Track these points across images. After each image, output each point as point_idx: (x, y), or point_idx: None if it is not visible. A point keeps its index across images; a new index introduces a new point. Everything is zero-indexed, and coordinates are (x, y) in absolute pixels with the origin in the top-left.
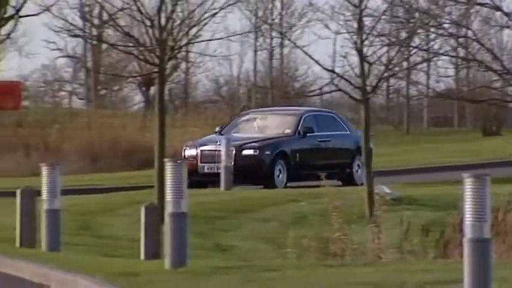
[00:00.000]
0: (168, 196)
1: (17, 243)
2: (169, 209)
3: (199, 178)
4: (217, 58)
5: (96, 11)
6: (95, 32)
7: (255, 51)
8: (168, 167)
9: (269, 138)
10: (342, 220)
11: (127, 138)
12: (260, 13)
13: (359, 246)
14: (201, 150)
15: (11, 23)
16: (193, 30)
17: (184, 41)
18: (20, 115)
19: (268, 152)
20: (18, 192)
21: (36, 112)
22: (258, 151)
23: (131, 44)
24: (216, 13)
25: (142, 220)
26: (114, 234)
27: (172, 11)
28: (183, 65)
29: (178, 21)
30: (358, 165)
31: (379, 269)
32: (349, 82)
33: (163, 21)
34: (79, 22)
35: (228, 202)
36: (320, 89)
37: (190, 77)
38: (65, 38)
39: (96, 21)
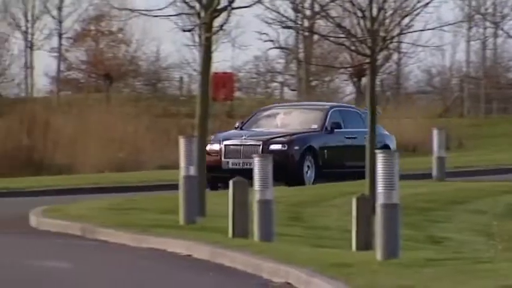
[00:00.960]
0: (380, 187)
1: (230, 234)
2: (380, 200)
3: (222, 174)
4: (429, 48)
5: (307, 2)
6: (306, 23)
7: (468, 41)
8: (380, 158)
9: (297, 133)
10: None
11: None
12: (473, 3)
13: None
14: (225, 145)
15: (223, 14)
16: (406, 21)
17: (396, 32)
18: (232, 106)
19: (297, 147)
20: (230, 183)
21: (248, 103)
22: (286, 146)
23: (343, 35)
24: (428, 3)
25: (353, 211)
26: (325, 225)
27: (384, 1)
28: (394, 56)
29: (390, 12)
30: None
31: None
32: None
33: (374, 11)
34: (291, 14)
35: (440, 193)
36: None
37: (402, 67)
38: (277, 29)
39: (307, 13)
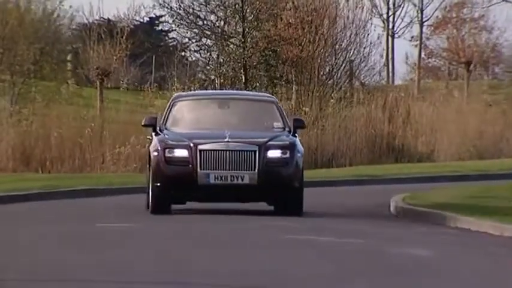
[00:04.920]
0: None
1: None
2: None
3: (199, 193)
4: None
5: None
6: None
7: None
8: None
9: (276, 136)
10: None
11: None
12: None
13: None
14: (201, 151)
15: None
16: None
17: None
18: None
19: (299, 155)
20: None
21: None
22: (288, 152)
23: None
24: None
25: None
26: None
27: None
28: None
29: None
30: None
31: None
32: None
33: None
34: None
35: None
36: None
37: None
38: None
39: None
